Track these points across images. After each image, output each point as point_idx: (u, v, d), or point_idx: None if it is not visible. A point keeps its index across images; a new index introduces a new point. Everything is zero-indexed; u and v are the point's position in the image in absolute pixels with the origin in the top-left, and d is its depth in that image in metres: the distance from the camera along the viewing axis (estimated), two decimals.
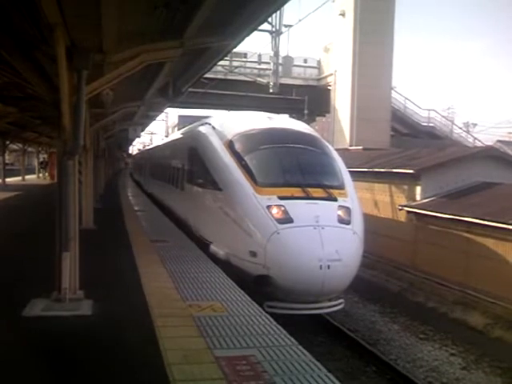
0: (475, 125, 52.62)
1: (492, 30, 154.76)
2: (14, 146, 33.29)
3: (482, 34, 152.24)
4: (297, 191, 9.49)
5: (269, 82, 25.76)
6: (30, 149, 36.24)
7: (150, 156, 28.81)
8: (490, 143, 38.68)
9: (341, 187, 10.12)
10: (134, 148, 72.26)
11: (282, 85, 26.55)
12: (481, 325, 11.31)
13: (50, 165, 38.19)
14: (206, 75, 13.65)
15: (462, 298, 12.68)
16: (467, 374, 9.20)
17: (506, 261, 12.32)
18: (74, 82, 5.92)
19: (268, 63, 27.11)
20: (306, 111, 30.74)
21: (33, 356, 4.54)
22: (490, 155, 17.94)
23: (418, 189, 16.79)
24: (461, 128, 39.80)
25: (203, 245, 10.48)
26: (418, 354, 9.91)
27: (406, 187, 17.42)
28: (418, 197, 16.76)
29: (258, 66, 32.29)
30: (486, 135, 45.55)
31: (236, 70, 30.42)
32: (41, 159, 40.05)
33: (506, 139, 49.04)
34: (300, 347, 4.85)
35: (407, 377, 8.40)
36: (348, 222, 9.29)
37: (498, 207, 13.43)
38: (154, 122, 42.16)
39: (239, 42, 7.63)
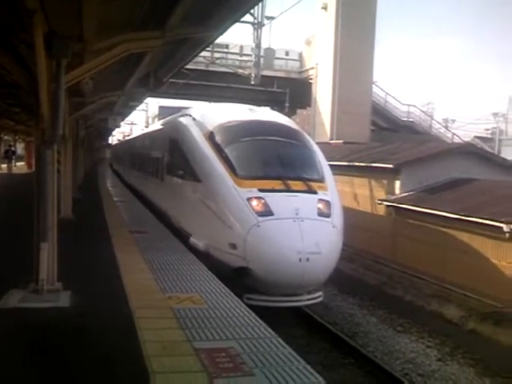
0: (454, 121, 53.33)
1: (472, 28, 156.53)
2: None
3: (462, 31, 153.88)
4: (277, 184, 9.50)
5: (250, 74, 25.70)
6: (6, 137, 35.07)
7: (130, 146, 28.53)
8: (467, 139, 39.37)
9: (321, 180, 10.17)
10: (114, 138, 71.47)
11: (263, 77, 26.52)
12: (456, 317, 11.53)
13: (26, 154, 36.85)
14: (188, 66, 13.57)
15: (438, 291, 12.90)
16: (442, 365, 9.36)
17: (481, 255, 12.56)
18: (53, 70, 5.81)
19: (250, 55, 27.06)
20: (287, 104, 30.76)
21: (8, 348, 4.48)
22: (468, 151, 18.19)
23: (398, 183, 16.97)
24: (440, 123, 40.32)
25: (183, 236, 10.45)
26: (396, 347, 10.05)
27: (385, 181, 17.58)
28: (397, 191, 16.94)
29: (240, 58, 32.17)
30: (464, 131, 46.15)
31: (217, 62, 30.25)
32: (6, 147, 33.83)
33: (484, 135, 49.81)
34: (279, 339, 4.87)
35: (384, 369, 8.51)
36: (328, 215, 9.35)
37: (474, 202, 13.66)
38: (134, 112, 41.83)
39: (221, 34, 7.61)
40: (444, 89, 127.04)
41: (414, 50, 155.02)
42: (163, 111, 47.55)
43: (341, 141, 26.53)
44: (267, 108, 26.12)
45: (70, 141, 12.95)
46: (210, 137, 10.56)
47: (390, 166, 16.85)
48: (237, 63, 31.71)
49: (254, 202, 9.09)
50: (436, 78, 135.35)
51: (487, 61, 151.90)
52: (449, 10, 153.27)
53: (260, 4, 20.83)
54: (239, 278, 8.82)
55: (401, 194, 16.69)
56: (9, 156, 32.02)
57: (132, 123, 68.58)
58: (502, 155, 27.67)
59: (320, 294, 9.66)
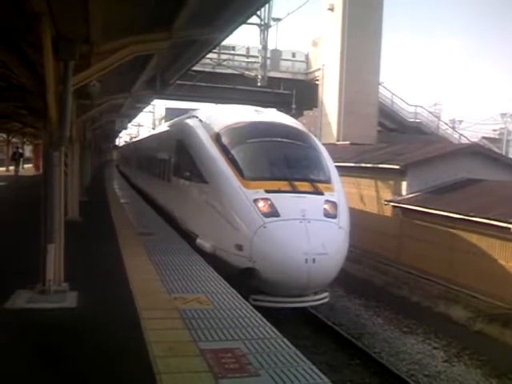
0: (461, 121, 53.11)
1: (475, 28, 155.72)
2: None
3: (466, 32, 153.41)
4: (283, 185, 9.51)
5: (257, 76, 25.70)
6: (14, 139, 35.12)
7: (136, 148, 28.63)
8: (475, 140, 39.16)
9: (327, 181, 10.17)
10: (121, 140, 71.74)
11: (270, 78, 26.49)
12: (463, 318, 11.46)
13: (34, 156, 36.85)
14: (194, 68, 13.60)
15: (445, 292, 12.84)
16: (449, 366, 9.32)
17: (488, 256, 12.49)
18: (60, 72, 5.85)
19: (256, 57, 27.05)
20: (293, 105, 30.73)
21: (15, 349, 4.51)
22: (476, 152, 18.09)
23: (404, 184, 16.90)
24: (447, 124, 40.17)
25: (189, 238, 10.47)
26: (402, 348, 10.01)
27: (392, 182, 17.52)
28: (403, 192, 16.88)
29: (246, 60, 32.22)
30: (471, 132, 46.17)
31: (224, 63, 30.29)
32: (14, 149, 32.94)
33: (491, 136, 49.59)
34: (285, 340, 4.88)
35: (390, 370, 8.49)
36: (334, 216, 9.35)
37: (482, 203, 13.59)
38: (141, 114, 41.92)
39: (227, 35, 7.61)
40: (451, 89, 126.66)
41: (421, 51, 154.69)
42: (170, 113, 47.63)
43: (347, 142, 26.48)
44: (273, 109, 26.21)
45: (77, 143, 13.03)
46: (217, 138, 10.59)
47: (397, 166, 16.79)
48: (243, 65, 31.76)
49: (261, 203, 9.10)
50: (443, 79, 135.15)
51: (494, 61, 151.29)
52: (452, 11, 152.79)
53: (266, 6, 20.85)
54: (245, 279, 8.84)
55: (407, 194, 16.63)
56: (16, 158, 31.38)
57: (139, 125, 68.93)
58: (510, 156, 27.54)
59: (326, 294, 9.66)
